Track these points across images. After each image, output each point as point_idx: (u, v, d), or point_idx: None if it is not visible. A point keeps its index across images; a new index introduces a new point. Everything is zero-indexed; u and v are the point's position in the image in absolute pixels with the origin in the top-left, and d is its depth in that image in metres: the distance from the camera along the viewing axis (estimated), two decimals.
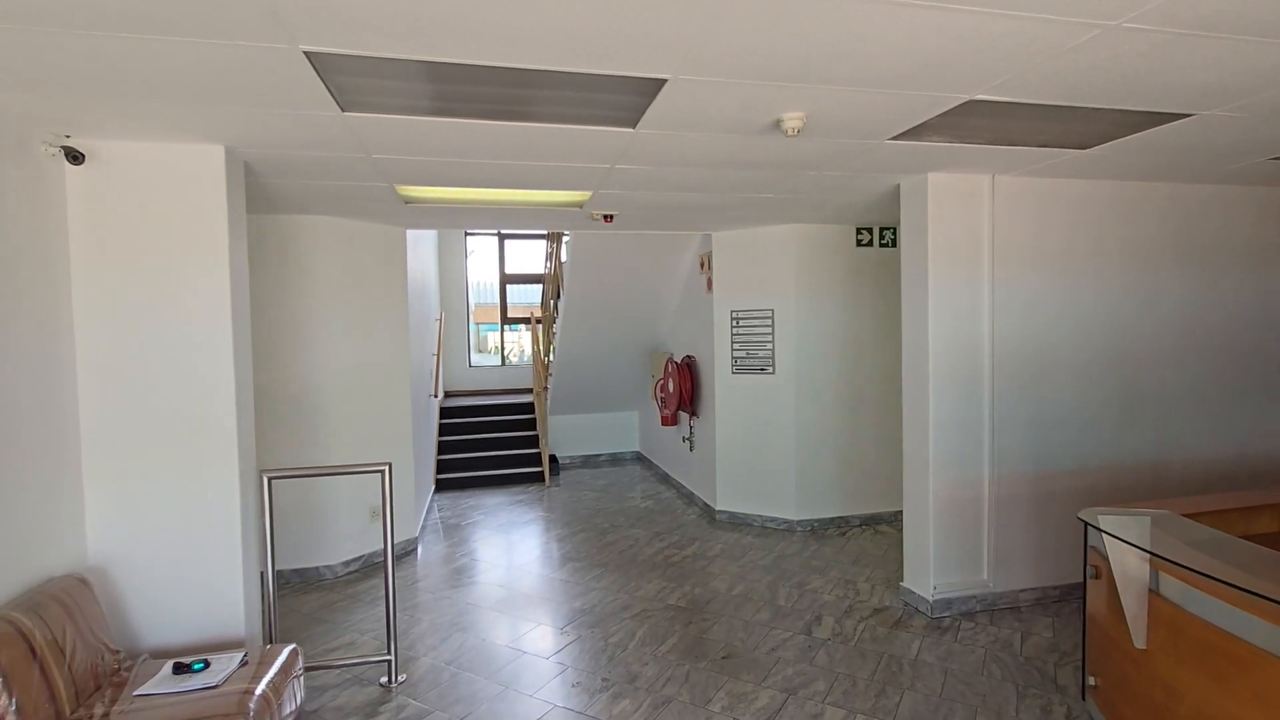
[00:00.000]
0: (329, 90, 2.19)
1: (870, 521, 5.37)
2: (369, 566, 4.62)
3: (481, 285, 10.01)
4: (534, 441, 7.55)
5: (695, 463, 6.14)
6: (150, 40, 1.80)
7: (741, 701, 2.86)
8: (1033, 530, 3.77)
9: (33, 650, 2.05)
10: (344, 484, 4.48)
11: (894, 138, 2.83)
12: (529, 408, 8.04)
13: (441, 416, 7.63)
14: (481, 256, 9.90)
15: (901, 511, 5.16)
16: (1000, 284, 3.66)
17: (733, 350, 5.41)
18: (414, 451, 5.11)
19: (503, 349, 10.03)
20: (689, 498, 6.26)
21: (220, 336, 2.76)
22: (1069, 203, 3.75)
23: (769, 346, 5.24)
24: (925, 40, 1.88)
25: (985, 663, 3.14)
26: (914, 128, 2.69)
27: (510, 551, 4.96)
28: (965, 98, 2.36)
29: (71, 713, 2.13)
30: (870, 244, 5.27)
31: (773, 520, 5.33)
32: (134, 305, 2.67)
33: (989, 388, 3.67)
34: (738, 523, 5.46)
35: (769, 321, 5.23)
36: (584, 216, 4.54)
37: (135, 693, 2.24)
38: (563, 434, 7.94)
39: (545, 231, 8.36)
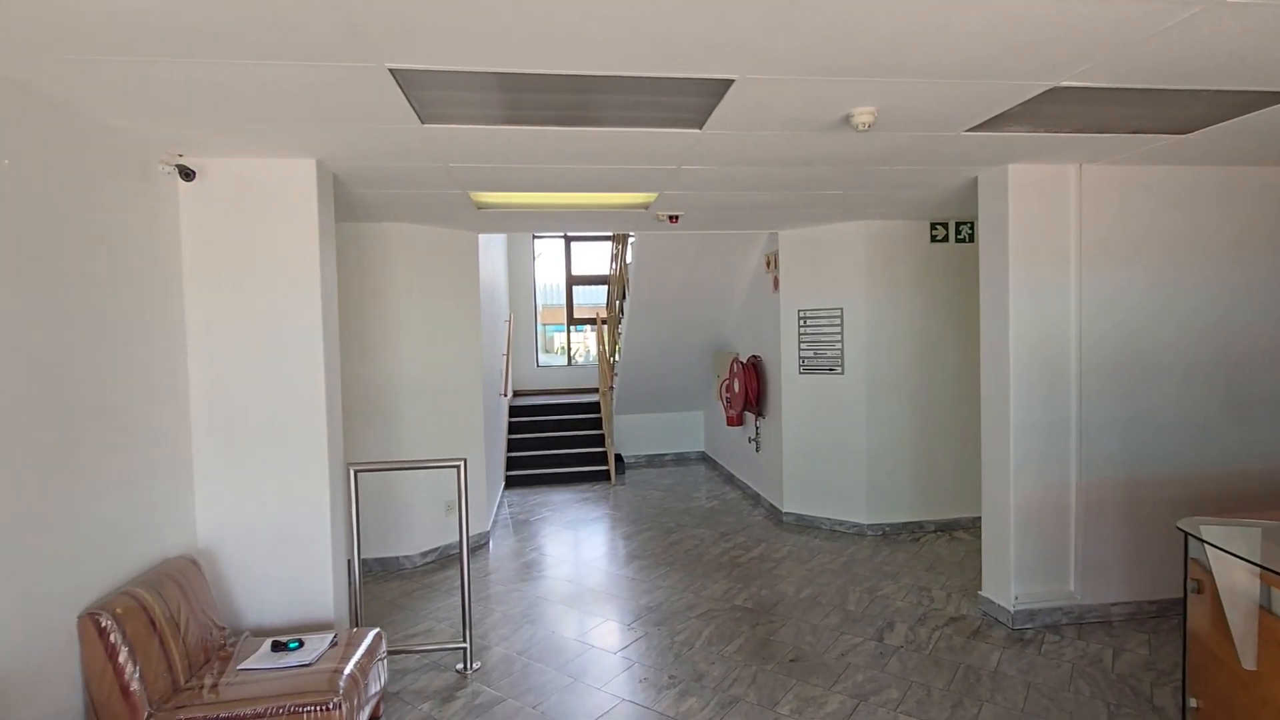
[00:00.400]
0: (411, 104, 2.31)
1: (946, 527, 5.18)
2: (444, 557, 4.82)
3: (548, 287, 10.23)
4: (600, 440, 7.66)
5: (761, 463, 6.08)
6: (251, 64, 1.95)
7: (810, 705, 2.82)
8: (1126, 540, 3.54)
9: (153, 623, 2.26)
10: (421, 479, 4.69)
11: (971, 129, 2.73)
12: (595, 407, 8.16)
13: (510, 415, 7.85)
14: (549, 259, 10.12)
15: (980, 517, 4.95)
16: (1088, 279, 3.46)
17: (800, 350, 5.33)
18: (485, 449, 5.28)
19: (569, 349, 10.21)
20: (755, 499, 6.20)
21: (312, 339, 2.94)
22: (1164, 191, 3.51)
23: (838, 346, 5.14)
24: (1005, 27, 1.81)
25: (1072, 678, 2.98)
26: (993, 118, 2.59)
27: (577, 548, 5.05)
28: (1049, 85, 2.25)
29: (185, 682, 2.33)
30: (945, 239, 5.08)
31: (842, 523, 5.22)
32: (235, 310, 2.88)
33: (1075, 389, 3.48)
34: (805, 525, 5.37)
35: (838, 321, 5.12)
36: (650, 218, 4.58)
37: (239, 667, 2.43)
38: (628, 433, 8.02)
39: (611, 233, 8.47)
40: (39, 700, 2.00)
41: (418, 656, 3.32)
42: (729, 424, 6.45)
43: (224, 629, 2.67)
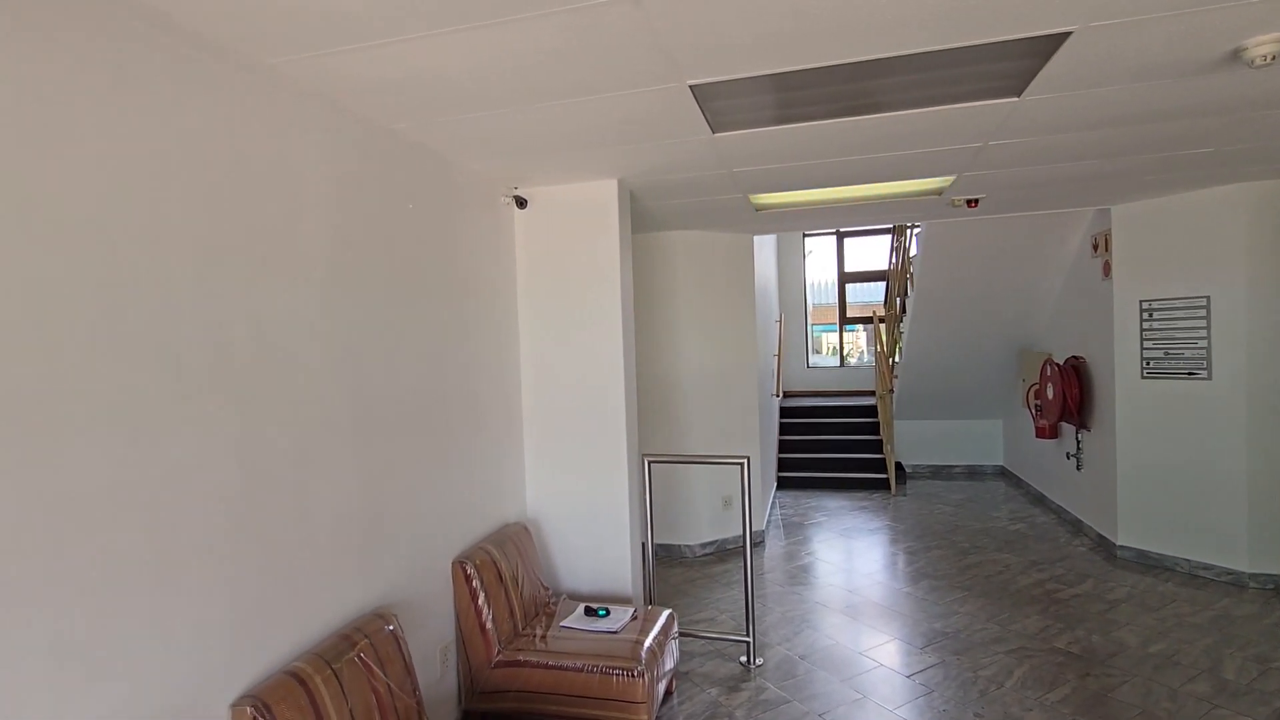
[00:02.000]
0: (704, 116, 2.43)
1: None
2: (722, 551, 4.98)
3: (818, 285, 9.96)
4: (877, 446, 7.21)
5: (1085, 484, 5.12)
6: (578, 102, 2.23)
7: None
8: None
9: (500, 576, 2.73)
10: (702, 473, 4.92)
11: None
12: (870, 410, 7.70)
13: (781, 416, 7.81)
14: (819, 256, 9.85)
15: None
16: None
17: (1143, 349, 4.36)
18: (760, 448, 5.34)
19: (841, 349, 9.81)
20: (1075, 525, 5.25)
21: (613, 340, 3.28)
22: None
23: (1201, 345, 4.08)
24: None
25: None
26: None
27: (854, 557, 4.82)
28: None
29: (521, 629, 2.77)
30: None
31: (1208, 568, 4.13)
32: (554, 316, 3.34)
33: None
34: (1150, 564, 4.38)
35: (1202, 312, 4.07)
36: (943, 204, 4.17)
37: (560, 624, 2.81)
38: (910, 440, 7.42)
39: (889, 225, 7.91)
40: (430, 625, 2.56)
41: (703, 642, 3.48)
42: (1039, 435, 5.56)
43: (548, 589, 3.11)
